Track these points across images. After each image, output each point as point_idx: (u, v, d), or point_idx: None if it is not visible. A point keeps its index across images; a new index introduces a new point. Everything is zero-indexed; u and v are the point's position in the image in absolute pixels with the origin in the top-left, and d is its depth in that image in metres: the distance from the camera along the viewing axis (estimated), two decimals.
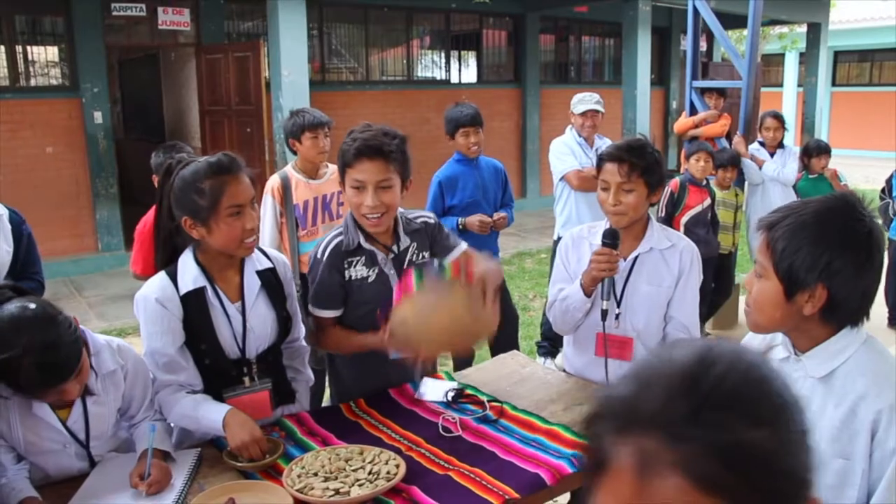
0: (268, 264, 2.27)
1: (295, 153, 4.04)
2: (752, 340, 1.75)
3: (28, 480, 1.85)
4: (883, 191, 6.15)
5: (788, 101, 18.59)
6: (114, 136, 8.32)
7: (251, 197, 2.11)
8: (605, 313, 2.40)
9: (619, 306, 2.47)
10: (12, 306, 1.77)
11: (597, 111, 4.98)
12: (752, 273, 1.60)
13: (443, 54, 11.57)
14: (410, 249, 2.39)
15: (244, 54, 8.23)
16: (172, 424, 2.18)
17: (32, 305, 1.78)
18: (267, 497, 1.80)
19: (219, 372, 2.16)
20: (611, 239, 2.39)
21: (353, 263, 2.31)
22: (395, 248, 2.36)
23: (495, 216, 4.30)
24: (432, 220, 2.48)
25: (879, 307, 6.23)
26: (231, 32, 9.15)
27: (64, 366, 1.78)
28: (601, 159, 2.45)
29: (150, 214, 3.61)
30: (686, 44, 14.27)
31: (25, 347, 1.71)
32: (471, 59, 12.15)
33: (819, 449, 1.47)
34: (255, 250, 2.25)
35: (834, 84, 18.72)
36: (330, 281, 2.31)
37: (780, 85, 19.48)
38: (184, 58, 9.44)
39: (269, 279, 2.25)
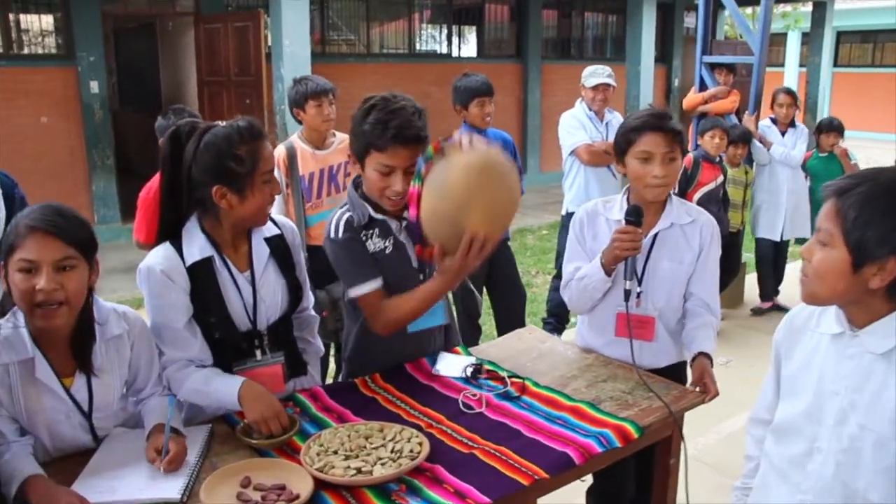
0: (275, 231, 2.18)
1: (300, 122, 3.92)
2: (801, 312, 1.66)
3: (32, 457, 1.76)
4: None
5: (790, 80, 18.45)
6: (109, 107, 8.18)
7: (274, 164, 2.03)
8: (628, 293, 2.31)
9: (639, 285, 2.38)
10: None
11: (608, 85, 4.91)
12: (812, 241, 1.51)
13: (444, 28, 11.41)
14: None
15: (244, 24, 8.08)
16: (182, 401, 2.08)
17: None
18: (285, 476, 1.71)
19: (229, 345, 2.07)
20: (635, 216, 2.30)
21: (370, 236, 2.21)
22: (406, 215, 2.28)
23: None
24: None
25: None
26: (230, 3, 8.98)
27: (66, 216, 1.74)
28: (635, 130, 2.32)
29: (155, 181, 3.52)
30: (689, 20, 14.14)
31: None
32: (472, 33, 11.99)
33: (880, 429, 1.39)
34: None
35: (836, 64, 18.59)
36: (358, 250, 2.19)
37: (782, 65, 19.34)
38: (181, 27, 9.26)
39: (278, 246, 2.16)
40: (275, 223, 2.19)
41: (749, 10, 12.78)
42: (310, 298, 2.31)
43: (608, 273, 2.33)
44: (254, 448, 1.88)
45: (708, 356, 2.31)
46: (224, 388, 1.99)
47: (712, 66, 6.05)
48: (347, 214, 2.20)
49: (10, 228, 1.74)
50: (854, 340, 1.51)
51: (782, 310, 5.97)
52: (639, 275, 2.39)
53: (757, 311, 5.85)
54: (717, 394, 2.23)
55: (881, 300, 1.45)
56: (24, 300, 1.71)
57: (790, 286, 6.22)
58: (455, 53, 11.56)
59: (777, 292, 6.01)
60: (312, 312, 2.35)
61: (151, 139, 3.51)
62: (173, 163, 2.01)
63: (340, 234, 2.19)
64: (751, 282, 6.16)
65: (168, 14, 9.18)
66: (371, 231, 2.21)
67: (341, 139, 3.93)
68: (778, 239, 5.73)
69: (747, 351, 5.02)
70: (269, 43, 8.14)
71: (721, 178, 5.18)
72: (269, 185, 2.00)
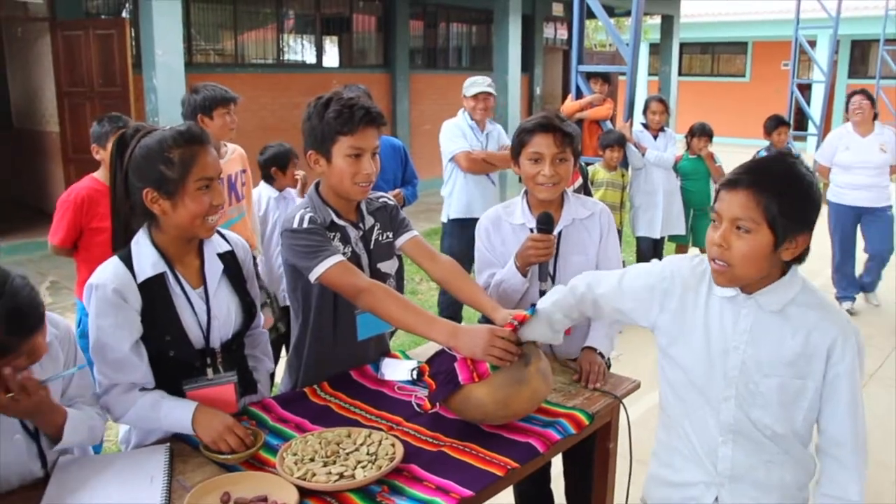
0: (227, 247, 2.13)
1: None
2: (694, 271, 1.84)
3: None
4: None
5: (639, 88, 19.66)
6: None
7: (220, 172, 1.97)
8: (543, 293, 2.43)
9: (553, 282, 2.50)
10: None
11: (489, 94, 5.04)
12: (727, 232, 1.65)
13: (312, 38, 11.33)
14: (375, 229, 2.33)
15: (107, 32, 7.70)
16: (127, 426, 2.01)
17: None
18: (263, 487, 1.69)
19: (181, 364, 2.01)
20: (546, 224, 2.43)
21: (332, 238, 2.21)
22: (360, 225, 2.30)
23: (390, 194, 4.32)
24: (392, 202, 2.44)
25: None
26: (90, 9, 8.52)
27: (32, 312, 1.61)
28: (527, 132, 2.45)
29: (80, 184, 3.40)
30: (548, 31, 14.74)
31: None
32: (340, 43, 11.97)
33: (781, 374, 1.65)
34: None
35: (680, 74, 20.01)
36: (322, 234, 2.15)
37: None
38: (33, 34, 8.65)
39: (230, 262, 2.12)
40: (225, 239, 2.14)
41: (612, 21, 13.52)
42: (261, 316, 2.27)
43: (524, 275, 2.44)
44: (220, 464, 1.84)
45: (594, 349, 2.45)
46: (174, 414, 1.93)
47: (587, 76, 6.38)
48: (310, 213, 2.19)
49: None
50: (748, 301, 1.73)
51: None
52: (551, 273, 2.50)
53: None
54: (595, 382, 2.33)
55: (777, 268, 1.70)
56: None
57: None
58: (324, 63, 11.51)
59: None
60: (263, 330, 2.32)
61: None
62: (119, 167, 1.95)
63: (306, 225, 2.15)
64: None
65: (18, 18, 8.57)
66: (332, 234, 2.21)
67: (233, 148, 3.89)
68: (657, 237, 6.11)
69: (632, 344, 5.30)
70: (134, 52, 7.82)
71: (580, 181, 5.39)
72: (206, 192, 1.93)
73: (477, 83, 5.06)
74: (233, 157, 3.86)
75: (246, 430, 1.92)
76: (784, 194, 1.61)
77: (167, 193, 1.90)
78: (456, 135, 5.07)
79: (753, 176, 1.65)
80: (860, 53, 19.25)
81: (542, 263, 2.43)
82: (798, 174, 1.65)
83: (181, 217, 1.93)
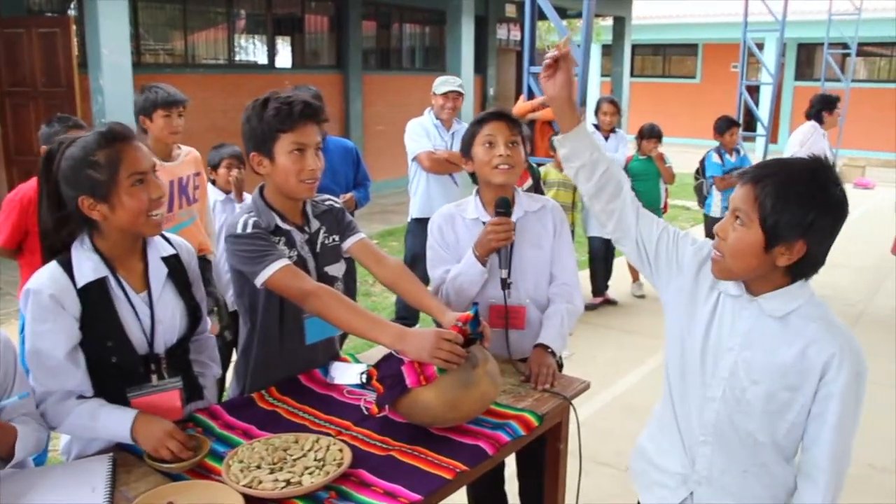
0: (171, 250, 2.10)
1: (145, 132, 3.75)
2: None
3: None
4: (697, 171, 6.75)
5: (591, 90, 19.87)
6: None
7: (153, 165, 1.93)
8: (504, 282, 2.44)
9: (509, 276, 2.51)
10: None
11: (459, 93, 5.08)
12: (727, 222, 1.68)
13: (264, 39, 11.21)
14: (321, 232, 2.32)
15: (51, 30, 7.51)
16: (67, 436, 1.96)
17: None
18: (209, 496, 1.66)
19: (125, 370, 1.97)
20: (504, 207, 2.44)
21: (277, 243, 2.18)
22: (306, 229, 2.28)
23: (341, 199, 4.30)
24: (338, 204, 2.43)
25: None
26: (32, 6, 8.31)
27: None
28: (479, 122, 2.49)
29: (25, 184, 3.32)
30: (502, 33, 14.81)
31: None
32: (292, 43, 11.87)
33: (770, 383, 1.63)
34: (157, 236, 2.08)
35: (632, 75, 20.30)
36: (267, 239, 2.13)
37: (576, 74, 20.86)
38: None
39: (175, 266, 2.08)
40: (170, 243, 2.11)
41: (564, 22, 13.64)
42: (207, 321, 2.24)
43: (484, 265, 2.44)
44: (165, 473, 1.80)
45: (546, 347, 2.45)
46: (112, 424, 1.89)
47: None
48: (254, 218, 2.16)
49: None
50: (750, 304, 1.72)
51: (612, 303, 6.44)
52: (508, 264, 2.49)
53: (590, 307, 6.25)
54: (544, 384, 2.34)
55: (781, 274, 1.67)
56: None
57: (619, 281, 6.72)
58: (276, 64, 11.39)
59: (607, 287, 6.46)
60: (209, 335, 2.28)
61: None
62: (46, 181, 1.91)
63: (250, 230, 2.12)
64: (582, 279, 6.58)
65: None
66: (278, 239, 2.19)
67: (187, 151, 3.84)
68: (609, 237, 6.16)
69: (583, 344, 5.36)
70: (79, 51, 7.64)
71: (530, 182, 5.44)
72: (142, 187, 1.88)
73: (448, 82, 5.12)
74: (186, 160, 3.80)
75: (187, 436, 1.89)
76: (782, 196, 1.58)
77: (102, 197, 1.86)
78: (419, 134, 5.10)
79: (761, 171, 1.64)
80: (806, 56, 19.72)
81: (501, 252, 2.43)
82: (810, 180, 1.59)
83: (122, 218, 1.89)
